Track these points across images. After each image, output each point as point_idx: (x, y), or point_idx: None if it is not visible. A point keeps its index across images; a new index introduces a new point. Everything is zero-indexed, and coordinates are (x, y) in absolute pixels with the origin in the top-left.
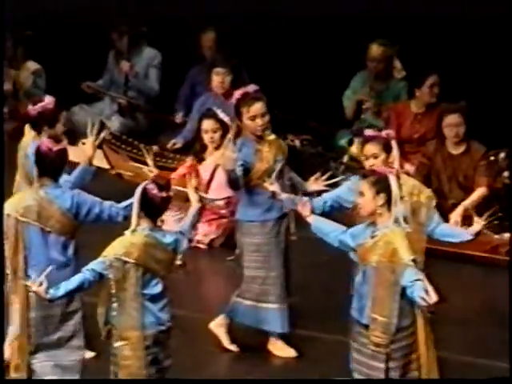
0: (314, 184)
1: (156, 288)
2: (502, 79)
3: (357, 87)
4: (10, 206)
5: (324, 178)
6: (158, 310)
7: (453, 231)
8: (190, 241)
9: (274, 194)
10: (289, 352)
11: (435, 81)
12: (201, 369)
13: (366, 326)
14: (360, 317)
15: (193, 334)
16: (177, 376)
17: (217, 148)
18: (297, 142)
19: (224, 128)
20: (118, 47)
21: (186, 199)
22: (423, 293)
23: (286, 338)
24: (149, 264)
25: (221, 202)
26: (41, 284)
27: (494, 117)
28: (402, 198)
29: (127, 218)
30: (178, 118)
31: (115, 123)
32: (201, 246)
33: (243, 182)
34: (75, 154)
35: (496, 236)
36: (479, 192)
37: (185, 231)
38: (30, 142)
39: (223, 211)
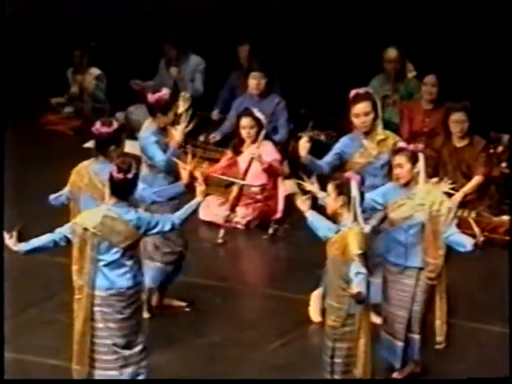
0: None
1: (113, 255)
2: (502, 78)
3: (375, 88)
4: (71, 179)
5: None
6: (116, 276)
7: (462, 241)
8: (173, 227)
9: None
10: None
11: (430, 80)
12: (240, 330)
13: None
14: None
15: (232, 302)
16: (218, 335)
17: (253, 142)
18: (322, 137)
19: (259, 125)
20: (168, 55)
21: (227, 185)
22: (357, 285)
23: None
24: (105, 234)
25: (256, 189)
26: (11, 237)
27: (494, 113)
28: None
29: (154, 202)
30: (215, 114)
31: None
32: (239, 226)
33: (327, 168)
34: (132, 147)
35: (495, 218)
36: (476, 180)
37: (174, 216)
38: (146, 126)
39: (258, 196)
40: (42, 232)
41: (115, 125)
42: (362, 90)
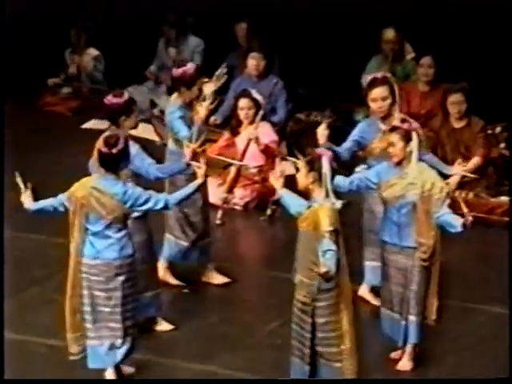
0: (455, 168)
1: (99, 226)
2: (500, 60)
3: (373, 69)
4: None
5: (464, 164)
6: (103, 247)
7: (452, 222)
8: (167, 206)
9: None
10: None
11: (426, 62)
12: (238, 311)
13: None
14: (294, 277)
15: (230, 283)
16: (216, 316)
17: (250, 123)
18: (320, 118)
19: (257, 106)
20: (167, 36)
21: (224, 167)
22: (324, 263)
23: None
24: (92, 205)
25: (254, 170)
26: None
27: (492, 95)
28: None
29: (159, 179)
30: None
31: (163, 102)
32: (237, 207)
33: (347, 154)
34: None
35: (492, 199)
36: (475, 161)
37: (171, 196)
38: (172, 101)
39: (256, 177)
40: None
41: (126, 96)
42: (379, 75)
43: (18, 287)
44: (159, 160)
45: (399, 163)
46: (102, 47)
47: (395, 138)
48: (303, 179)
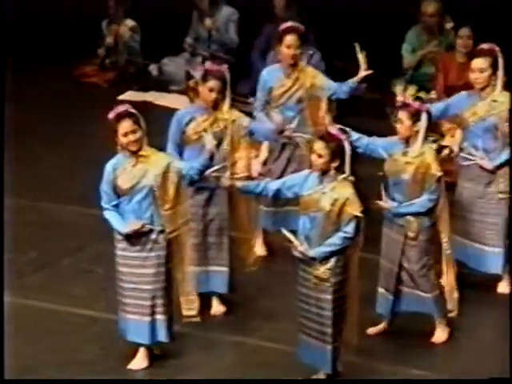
0: None
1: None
2: None
3: (412, 40)
4: None
5: None
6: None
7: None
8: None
9: None
10: None
11: (465, 33)
12: (273, 283)
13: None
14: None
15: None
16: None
17: None
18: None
19: None
20: (200, 7)
21: None
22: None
23: None
24: None
25: None
26: None
27: None
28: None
29: None
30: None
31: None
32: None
33: (437, 113)
34: (168, 99)
35: None
36: None
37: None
38: None
39: None
40: (76, 183)
41: (214, 65)
42: (486, 45)
43: (52, 257)
44: None
45: (407, 140)
46: (139, 19)
47: (404, 115)
48: (324, 165)
